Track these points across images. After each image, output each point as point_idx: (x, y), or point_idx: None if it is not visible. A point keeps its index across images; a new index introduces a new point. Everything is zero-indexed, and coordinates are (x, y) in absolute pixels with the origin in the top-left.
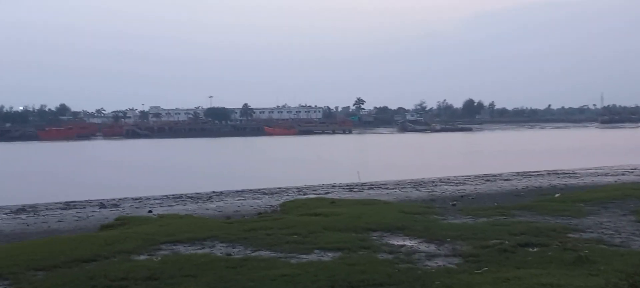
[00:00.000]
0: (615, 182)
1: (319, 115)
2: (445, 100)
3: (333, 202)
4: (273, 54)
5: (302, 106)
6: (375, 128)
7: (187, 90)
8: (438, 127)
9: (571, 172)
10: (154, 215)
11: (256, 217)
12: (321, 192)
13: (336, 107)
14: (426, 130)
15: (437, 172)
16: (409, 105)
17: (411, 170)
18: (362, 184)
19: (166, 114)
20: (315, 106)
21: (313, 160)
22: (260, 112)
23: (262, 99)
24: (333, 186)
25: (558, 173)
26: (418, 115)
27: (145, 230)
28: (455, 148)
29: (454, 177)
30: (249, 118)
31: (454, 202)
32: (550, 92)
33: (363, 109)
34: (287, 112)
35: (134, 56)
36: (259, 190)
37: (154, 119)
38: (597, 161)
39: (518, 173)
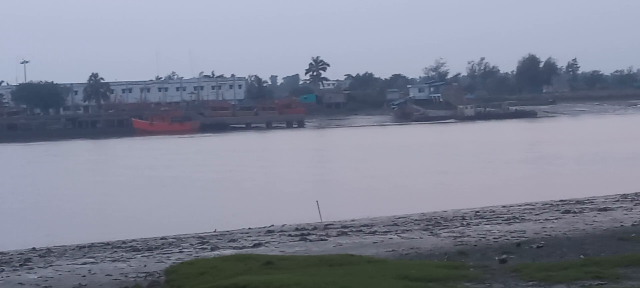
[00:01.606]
0: None
1: (240, 93)
2: (483, 59)
3: (269, 263)
4: None
5: (206, 77)
6: (351, 116)
7: None
8: (470, 110)
9: None
10: None
11: None
12: (247, 244)
13: (273, 78)
14: (447, 117)
15: (468, 199)
16: (415, 72)
17: (420, 197)
18: (327, 226)
19: None
20: (233, 77)
21: (230, 181)
22: (124, 90)
23: (129, 67)
24: (270, 232)
25: None
26: (431, 88)
27: None
28: (503, 151)
29: (503, 206)
30: (103, 102)
31: (505, 256)
32: None
33: (326, 80)
34: (178, 88)
35: None
36: (125, 242)
37: None
38: None
39: (624, 196)
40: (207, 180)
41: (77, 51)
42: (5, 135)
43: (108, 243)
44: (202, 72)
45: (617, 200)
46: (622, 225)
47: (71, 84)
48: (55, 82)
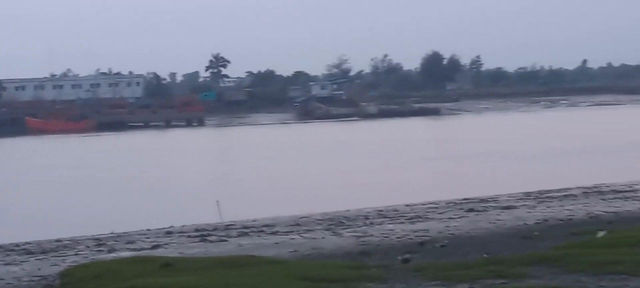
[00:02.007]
0: None
1: (138, 91)
2: (387, 56)
3: (168, 265)
4: None
5: (103, 74)
6: (252, 114)
7: None
8: (373, 108)
9: (627, 188)
10: None
11: None
12: (145, 246)
13: (172, 75)
14: (350, 115)
15: (372, 198)
16: (318, 69)
17: (323, 197)
18: (227, 226)
19: None
20: (131, 75)
21: (128, 181)
22: (16, 88)
23: (22, 64)
24: (169, 233)
25: (602, 192)
26: (335, 85)
27: None
28: (407, 149)
29: (407, 205)
30: None
31: (407, 256)
32: (587, 37)
33: (226, 77)
34: (74, 86)
35: None
36: (17, 245)
37: None
38: None
39: (528, 194)
40: (103, 180)
41: None
42: None
43: (0, 246)
44: (98, 69)
45: (521, 199)
46: (525, 224)
47: None
48: None
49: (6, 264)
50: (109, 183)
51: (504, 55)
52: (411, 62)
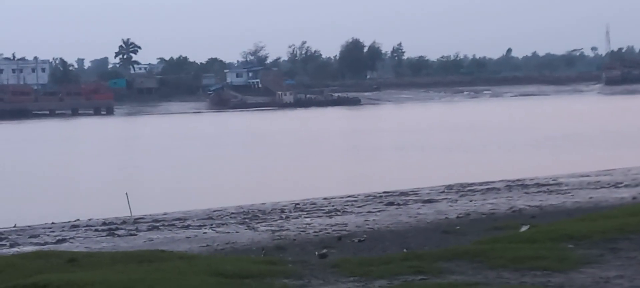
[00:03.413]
0: (633, 199)
1: (44, 78)
2: (305, 43)
3: (73, 260)
4: None
5: (6, 59)
6: (164, 102)
7: None
8: (289, 97)
9: (551, 181)
10: None
11: None
12: (49, 240)
13: (80, 61)
14: (266, 104)
15: (288, 191)
16: (233, 56)
17: (236, 189)
18: (137, 220)
19: None
20: (36, 60)
21: (30, 172)
22: None
23: None
24: (75, 226)
25: (526, 185)
26: (250, 74)
27: None
28: (324, 140)
29: (325, 199)
30: None
31: (325, 251)
32: (511, 25)
33: (137, 64)
34: None
35: None
36: None
37: None
38: (600, 159)
39: (449, 187)
40: (4, 172)
41: None
42: None
43: None
44: (1, 54)
45: (442, 192)
46: (446, 218)
47: None
48: None
49: None
50: (11, 175)
51: (426, 43)
52: (330, 50)
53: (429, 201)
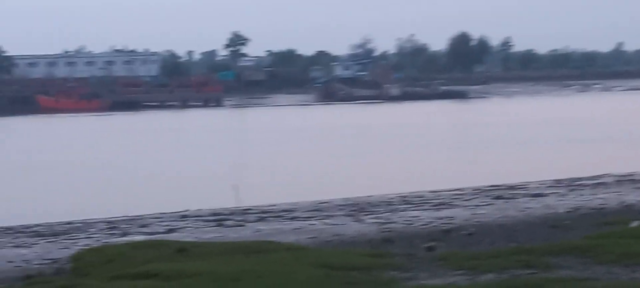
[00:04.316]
0: None
1: (154, 70)
2: (413, 35)
3: (183, 249)
4: None
5: (118, 52)
6: (272, 94)
7: None
8: (395, 90)
9: None
10: None
11: (20, 285)
12: (159, 229)
13: (189, 53)
14: (373, 97)
15: (395, 183)
16: (340, 49)
17: (343, 181)
18: (244, 210)
19: None
20: (147, 52)
21: (141, 162)
22: (29, 64)
23: (34, 40)
24: (184, 217)
25: (636, 180)
26: (358, 66)
27: None
28: (432, 134)
29: (432, 192)
30: (6, 76)
31: (431, 244)
32: (622, 18)
33: (245, 56)
34: (87, 63)
35: None
36: (28, 227)
37: None
38: None
39: (558, 181)
40: (117, 162)
41: None
42: None
43: (9, 228)
44: (113, 47)
45: (551, 186)
46: (555, 212)
47: None
48: None
49: (15, 246)
50: (122, 165)
51: (535, 37)
52: (438, 42)
53: (538, 195)
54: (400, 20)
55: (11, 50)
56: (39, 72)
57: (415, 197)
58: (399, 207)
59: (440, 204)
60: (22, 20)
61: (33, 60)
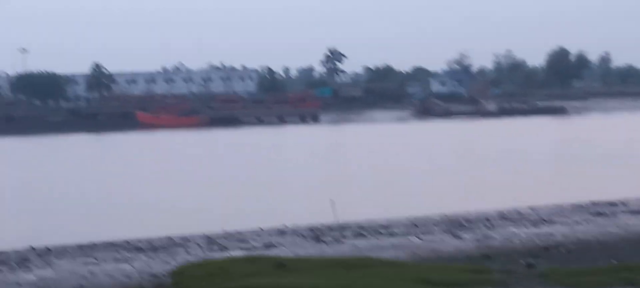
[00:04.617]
0: None
1: (251, 86)
2: (510, 51)
3: (282, 265)
4: None
5: (215, 68)
6: (369, 110)
7: None
8: (492, 106)
9: None
10: None
11: None
12: (257, 245)
13: (286, 70)
14: (470, 113)
15: (492, 199)
16: (437, 64)
17: (441, 197)
18: (342, 226)
19: None
20: (244, 68)
21: (238, 179)
22: (128, 81)
23: (132, 57)
24: (282, 232)
25: None
26: (455, 81)
27: None
28: (532, 149)
29: (530, 208)
30: (106, 93)
31: (532, 261)
32: None
33: (342, 72)
34: (185, 80)
35: None
36: (128, 242)
37: None
38: None
39: None
40: (216, 177)
41: (78, 40)
42: (1, 127)
43: (110, 243)
44: (210, 63)
45: None
46: None
47: (72, 74)
48: (55, 72)
49: (116, 261)
50: (221, 180)
51: (635, 51)
52: (535, 57)
53: (639, 212)
54: (496, 35)
55: (111, 68)
56: (137, 89)
57: (513, 213)
58: (497, 223)
59: (538, 220)
60: (121, 39)
61: (132, 78)
